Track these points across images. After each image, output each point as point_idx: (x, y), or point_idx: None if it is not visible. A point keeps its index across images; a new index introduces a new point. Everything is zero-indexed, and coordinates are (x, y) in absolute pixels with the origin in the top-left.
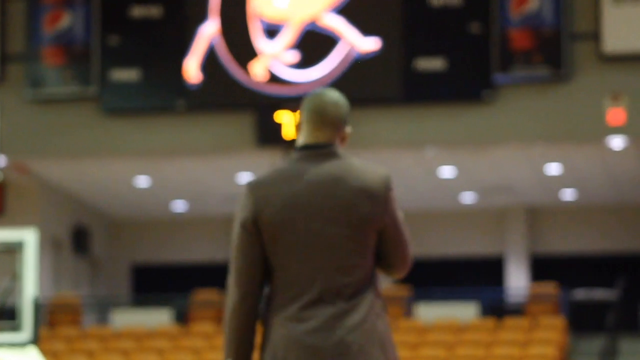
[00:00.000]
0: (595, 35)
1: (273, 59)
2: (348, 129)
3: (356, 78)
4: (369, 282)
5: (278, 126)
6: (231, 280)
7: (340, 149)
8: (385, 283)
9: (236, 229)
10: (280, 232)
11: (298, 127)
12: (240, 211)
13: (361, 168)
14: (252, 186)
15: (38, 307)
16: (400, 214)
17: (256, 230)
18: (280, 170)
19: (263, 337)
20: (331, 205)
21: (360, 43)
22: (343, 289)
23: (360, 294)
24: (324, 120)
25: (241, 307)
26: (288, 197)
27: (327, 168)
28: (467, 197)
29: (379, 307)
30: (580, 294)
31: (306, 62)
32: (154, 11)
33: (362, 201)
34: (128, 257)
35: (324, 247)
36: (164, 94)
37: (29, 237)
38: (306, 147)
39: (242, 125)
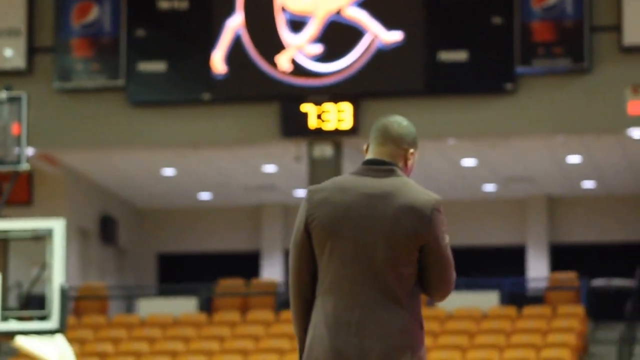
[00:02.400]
0: (616, 28)
1: (297, 50)
2: (413, 153)
3: (379, 70)
4: (406, 297)
5: (303, 117)
6: (290, 278)
7: (403, 170)
8: None
9: (294, 230)
10: (326, 238)
11: (367, 148)
12: (298, 214)
13: (413, 187)
14: (310, 192)
15: (66, 296)
16: (445, 238)
17: (308, 233)
18: (339, 180)
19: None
20: (377, 217)
21: (384, 35)
22: (379, 300)
23: (395, 307)
24: (386, 138)
25: (297, 303)
26: (339, 205)
27: (381, 183)
28: (489, 188)
29: (415, 324)
30: (600, 282)
31: (330, 54)
32: (180, 4)
33: (407, 216)
34: (154, 247)
35: (365, 257)
36: (189, 85)
37: (57, 227)
38: (367, 162)
39: (266, 116)
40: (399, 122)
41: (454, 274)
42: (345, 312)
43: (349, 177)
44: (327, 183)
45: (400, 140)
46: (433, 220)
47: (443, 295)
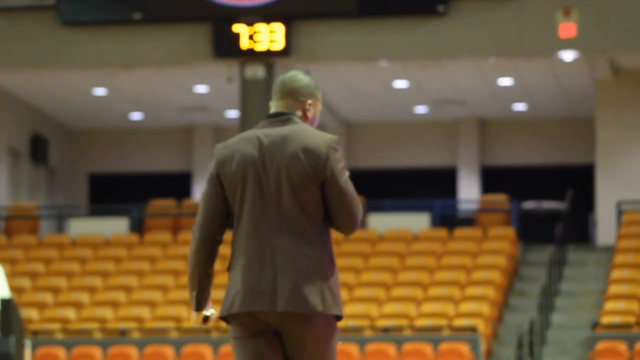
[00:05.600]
0: None
1: None
2: (312, 104)
3: None
4: (314, 234)
5: (234, 38)
6: (196, 224)
7: (303, 120)
8: None
9: (206, 183)
10: (236, 187)
11: (270, 105)
12: (209, 169)
13: (310, 131)
14: (217, 149)
15: None
16: (344, 173)
17: (219, 184)
18: (243, 135)
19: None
20: (277, 161)
21: None
22: (288, 238)
23: (304, 243)
24: (283, 93)
25: (202, 249)
26: (243, 155)
27: (280, 131)
28: (420, 110)
29: (326, 258)
30: (530, 205)
31: None
32: None
33: (304, 157)
34: (85, 167)
35: (270, 200)
36: (120, 5)
37: None
38: (268, 116)
39: (198, 37)
40: (294, 76)
41: (357, 208)
42: (258, 253)
43: (252, 131)
44: (233, 139)
45: (296, 93)
46: (329, 158)
47: (349, 228)
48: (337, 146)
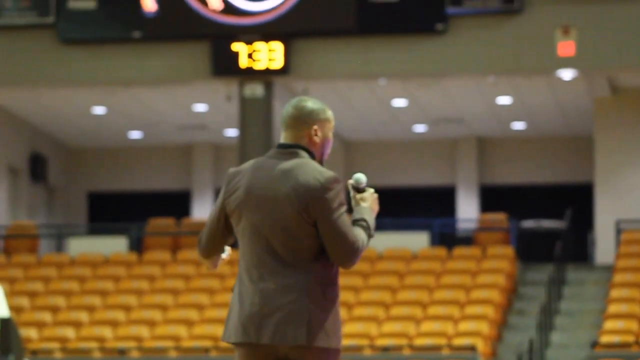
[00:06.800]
0: None
1: None
2: (317, 129)
3: (311, 9)
4: (305, 268)
5: (233, 56)
6: (200, 237)
7: (311, 147)
8: None
9: (215, 205)
10: (238, 217)
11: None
12: (220, 194)
13: (309, 167)
14: (228, 174)
15: None
16: (337, 211)
17: (224, 210)
18: (254, 163)
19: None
20: (272, 197)
21: None
22: (279, 271)
23: (294, 276)
24: (287, 124)
25: (205, 258)
26: (248, 186)
27: (282, 165)
28: (419, 128)
29: (317, 292)
30: (529, 224)
31: None
32: None
33: (297, 194)
34: (84, 185)
35: (265, 232)
36: (120, 23)
37: None
38: (277, 146)
39: (197, 55)
40: (297, 104)
41: (351, 245)
42: (251, 284)
43: (262, 160)
44: (245, 166)
45: (300, 123)
46: (321, 197)
47: (343, 263)
48: (332, 185)
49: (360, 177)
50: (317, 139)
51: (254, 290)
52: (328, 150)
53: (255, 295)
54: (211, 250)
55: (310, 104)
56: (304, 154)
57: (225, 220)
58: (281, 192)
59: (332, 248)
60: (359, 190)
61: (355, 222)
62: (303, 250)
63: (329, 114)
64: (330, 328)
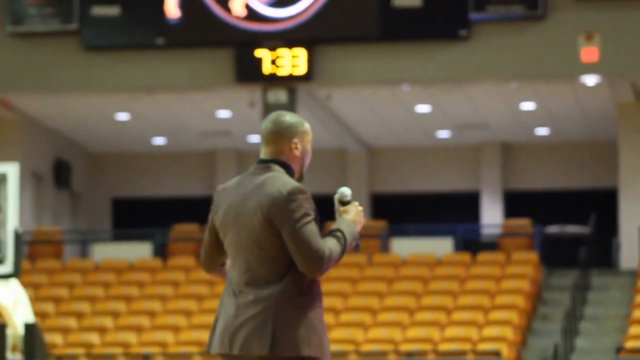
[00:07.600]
0: None
1: None
2: (297, 142)
3: (334, 15)
4: (278, 280)
5: (257, 63)
6: (200, 254)
7: (291, 161)
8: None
9: (209, 219)
10: (225, 232)
11: None
12: (211, 209)
13: (277, 180)
14: (216, 192)
15: (20, 240)
16: (300, 221)
17: (214, 228)
18: (236, 180)
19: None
20: (244, 212)
21: None
22: (255, 284)
23: (266, 288)
24: (265, 139)
25: (209, 272)
26: (229, 203)
27: (256, 180)
28: (443, 134)
29: (285, 303)
30: (554, 229)
31: None
32: None
33: (263, 207)
34: (108, 191)
35: (242, 247)
36: (143, 30)
37: (11, 171)
38: (257, 162)
39: (220, 61)
40: (275, 120)
41: (314, 254)
42: (229, 298)
43: (243, 177)
44: (231, 182)
45: (278, 138)
46: (284, 208)
47: (309, 271)
48: (294, 196)
49: (345, 190)
50: (297, 152)
51: (231, 303)
52: (307, 162)
53: (232, 308)
54: (210, 266)
55: (289, 117)
56: (277, 167)
57: (216, 236)
58: (251, 206)
59: (297, 257)
60: (344, 203)
61: (330, 232)
62: (275, 262)
63: (307, 126)
64: (302, 337)
